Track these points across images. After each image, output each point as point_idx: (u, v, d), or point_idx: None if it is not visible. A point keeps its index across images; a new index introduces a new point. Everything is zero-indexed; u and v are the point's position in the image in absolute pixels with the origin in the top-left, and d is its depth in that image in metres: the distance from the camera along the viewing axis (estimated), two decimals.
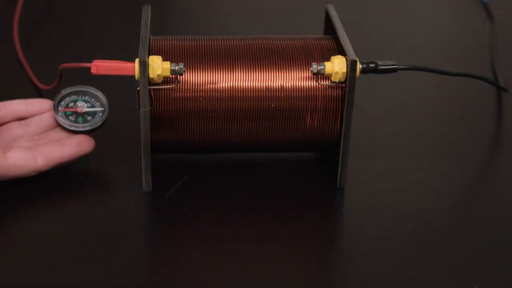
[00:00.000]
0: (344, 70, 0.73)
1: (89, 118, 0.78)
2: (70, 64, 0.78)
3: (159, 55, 0.74)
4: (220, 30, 1.05)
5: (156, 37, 0.77)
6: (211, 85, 0.74)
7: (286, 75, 0.75)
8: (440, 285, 0.68)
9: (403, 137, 0.85)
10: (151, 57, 0.72)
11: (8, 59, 0.96)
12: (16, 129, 0.78)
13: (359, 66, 0.74)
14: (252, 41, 0.77)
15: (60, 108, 0.78)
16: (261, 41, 0.77)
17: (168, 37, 0.77)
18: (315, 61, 0.75)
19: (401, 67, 0.76)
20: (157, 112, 0.74)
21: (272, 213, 0.74)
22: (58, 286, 0.66)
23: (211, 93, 0.74)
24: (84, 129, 0.77)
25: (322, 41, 0.78)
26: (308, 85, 0.75)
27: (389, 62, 0.76)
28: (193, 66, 0.74)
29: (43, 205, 0.74)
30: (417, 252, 0.71)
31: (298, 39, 0.78)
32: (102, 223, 0.73)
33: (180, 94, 0.74)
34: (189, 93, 0.74)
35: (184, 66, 0.73)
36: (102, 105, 0.78)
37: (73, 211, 0.74)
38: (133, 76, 0.72)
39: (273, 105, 0.75)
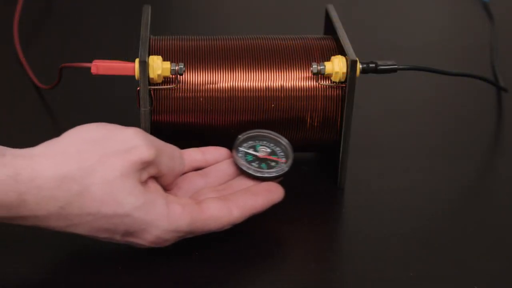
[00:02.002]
0: (344, 70, 0.73)
1: (273, 163, 0.72)
2: (70, 64, 0.77)
3: (159, 55, 0.74)
4: (220, 30, 1.05)
5: (156, 37, 0.77)
6: (211, 85, 0.74)
7: (286, 75, 0.75)
8: (440, 285, 0.68)
9: (403, 137, 0.85)
10: (151, 57, 0.72)
11: (8, 59, 0.96)
12: (196, 180, 0.71)
13: (359, 66, 0.74)
14: (252, 41, 0.77)
15: (240, 155, 0.72)
16: (261, 41, 0.77)
17: (168, 37, 0.77)
18: (315, 61, 0.75)
19: (401, 67, 0.76)
20: (157, 112, 0.74)
21: (272, 213, 0.74)
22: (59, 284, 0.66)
23: (211, 93, 0.74)
24: (270, 175, 0.70)
25: (322, 41, 0.78)
26: (308, 85, 0.75)
27: (389, 62, 0.76)
28: (193, 66, 0.74)
29: None
30: (417, 252, 0.71)
31: (298, 39, 0.78)
32: None
33: (180, 94, 0.74)
34: (189, 93, 0.74)
35: (184, 66, 0.73)
36: (284, 150, 0.73)
37: None
38: (133, 76, 0.72)
39: (273, 105, 0.75)
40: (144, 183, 0.65)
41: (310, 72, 0.75)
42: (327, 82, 0.75)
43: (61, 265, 0.68)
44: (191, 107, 0.74)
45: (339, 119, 0.76)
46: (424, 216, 0.75)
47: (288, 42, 0.77)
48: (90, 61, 0.72)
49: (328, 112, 0.75)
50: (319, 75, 0.74)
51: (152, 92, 0.73)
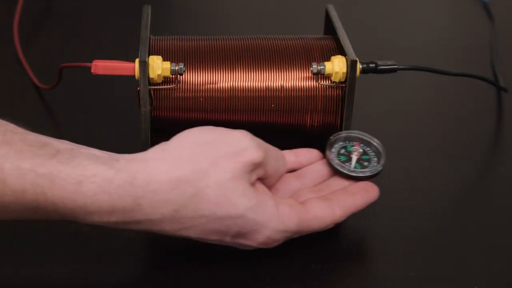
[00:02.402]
0: (344, 70, 0.73)
1: (365, 163, 0.72)
2: (70, 64, 0.77)
3: (159, 55, 0.74)
4: (220, 30, 1.05)
5: (156, 37, 0.77)
6: (211, 85, 0.74)
7: (286, 75, 0.75)
8: (440, 285, 0.68)
9: (403, 137, 0.85)
10: (151, 57, 0.72)
11: (8, 59, 0.96)
12: (292, 181, 0.72)
13: (359, 66, 0.74)
14: (252, 41, 0.77)
15: (333, 156, 0.73)
16: (261, 41, 0.77)
17: (168, 37, 0.77)
18: (315, 61, 0.75)
19: (401, 67, 0.76)
20: (157, 112, 0.74)
21: None
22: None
23: (211, 93, 0.74)
24: (365, 174, 0.71)
25: (322, 41, 0.78)
26: (308, 85, 0.75)
27: (389, 62, 0.76)
28: (193, 66, 0.74)
29: None
30: (417, 252, 0.71)
31: (298, 39, 0.78)
32: None
33: (180, 94, 0.74)
34: (189, 93, 0.74)
35: (184, 66, 0.73)
36: (375, 150, 0.74)
37: None
38: (133, 76, 0.72)
39: (273, 105, 0.75)
40: (252, 184, 0.66)
41: (310, 72, 0.75)
42: (327, 82, 0.75)
43: (62, 264, 0.68)
44: (191, 106, 0.74)
45: (339, 119, 0.76)
46: (424, 216, 0.75)
47: (288, 42, 0.77)
48: (90, 61, 0.72)
49: (328, 112, 0.75)
50: (319, 75, 0.74)
51: (152, 92, 0.73)
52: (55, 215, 0.62)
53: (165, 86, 0.73)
